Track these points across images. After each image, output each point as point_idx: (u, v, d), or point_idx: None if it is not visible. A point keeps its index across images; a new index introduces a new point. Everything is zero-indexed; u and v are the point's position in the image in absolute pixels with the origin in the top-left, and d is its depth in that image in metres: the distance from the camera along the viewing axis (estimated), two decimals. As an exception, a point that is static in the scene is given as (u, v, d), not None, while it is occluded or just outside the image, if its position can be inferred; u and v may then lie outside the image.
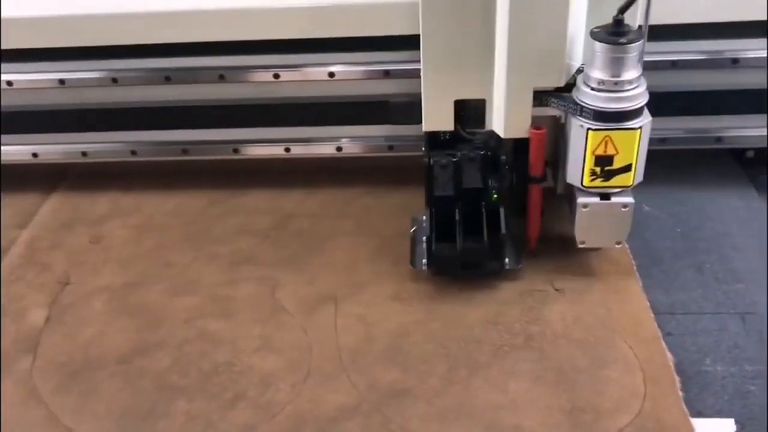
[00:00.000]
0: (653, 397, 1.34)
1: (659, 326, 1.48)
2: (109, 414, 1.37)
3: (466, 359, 1.43)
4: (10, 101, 1.88)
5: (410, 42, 1.57)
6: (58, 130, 1.94)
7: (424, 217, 1.65)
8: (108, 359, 1.48)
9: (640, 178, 1.47)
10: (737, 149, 1.97)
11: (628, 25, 1.36)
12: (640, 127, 1.40)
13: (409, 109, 1.55)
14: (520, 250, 1.64)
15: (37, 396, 1.41)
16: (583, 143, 1.42)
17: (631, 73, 1.37)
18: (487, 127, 1.56)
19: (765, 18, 1.68)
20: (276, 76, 1.80)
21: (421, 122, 1.57)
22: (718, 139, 1.84)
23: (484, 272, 1.60)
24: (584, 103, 1.40)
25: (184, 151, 1.94)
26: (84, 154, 1.96)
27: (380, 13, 1.68)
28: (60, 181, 2.07)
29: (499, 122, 1.52)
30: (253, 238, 1.80)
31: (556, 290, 1.58)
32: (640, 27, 1.39)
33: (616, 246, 1.55)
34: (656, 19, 1.69)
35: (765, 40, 1.71)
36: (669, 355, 1.42)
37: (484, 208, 1.55)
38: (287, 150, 1.91)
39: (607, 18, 1.37)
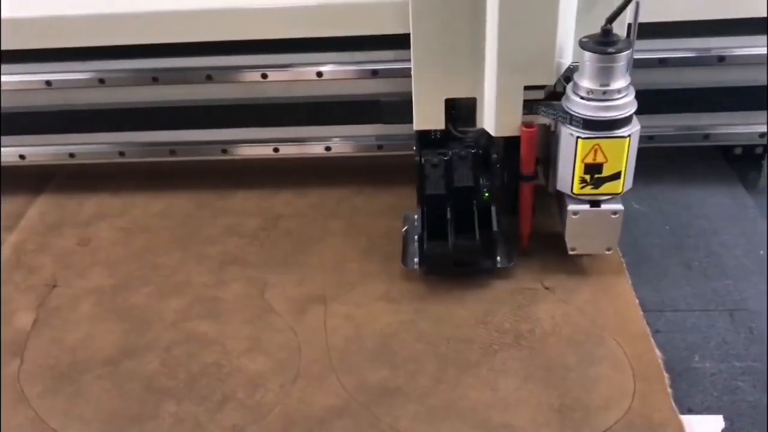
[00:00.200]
0: (642, 395, 1.34)
1: (648, 323, 1.48)
2: (96, 416, 1.36)
3: (455, 358, 1.43)
4: (-4, 103, 1.87)
5: (398, 41, 1.57)
6: (45, 131, 1.93)
7: (416, 216, 1.65)
8: (95, 362, 1.47)
9: (629, 185, 1.49)
10: (725, 146, 1.98)
11: (616, 35, 1.37)
12: (629, 135, 1.41)
13: (399, 109, 1.55)
14: (512, 248, 1.64)
15: (24, 399, 1.40)
16: (572, 151, 1.43)
17: (620, 82, 1.38)
18: (478, 126, 1.56)
19: (751, 15, 1.69)
20: (264, 76, 1.79)
21: (411, 121, 1.57)
22: (706, 137, 1.85)
23: (477, 271, 1.60)
24: (574, 111, 1.41)
25: (172, 152, 1.93)
26: (71, 155, 1.95)
27: (368, 13, 1.68)
28: (47, 183, 2.06)
29: (489, 120, 1.52)
30: (242, 238, 1.79)
31: (546, 288, 1.58)
32: (628, 35, 1.40)
33: (607, 252, 1.56)
34: (644, 17, 1.71)
35: (751, 37, 1.72)
36: (658, 352, 1.42)
37: (476, 206, 1.55)
38: (276, 150, 1.91)
39: (598, 16, 1.37)
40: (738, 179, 1.92)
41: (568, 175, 1.46)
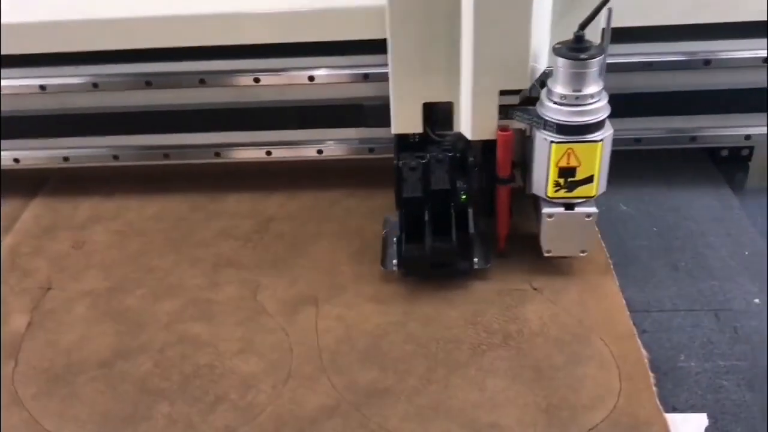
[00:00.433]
0: (628, 393, 1.36)
1: (635, 324, 1.51)
2: (90, 418, 1.38)
3: (444, 359, 1.45)
4: (-10, 107, 1.88)
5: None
6: (39, 135, 1.95)
7: (396, 219, 1.67)
8: (89, 364, 1.49)
9: (603, 188, 1.51)
10: (712, 148, 2.00)
11: (588, 41, 1.40)
12: (602, 140, 1.44)
13: (382, 112, 1.57)
14: (490, 249, 1.67)
15: (18, 401, 1.42)
16: (546, 155, 1.46)
17: (592, 87, 1.41)
18: (455, 130, 1.58)
19: (737, 20, 1.71)
20: (256, 80, 1.81)
21: None
22: (693, 139, 1.87)
23: (454, 272, 1.62)
24: (547, 116, 1.44)
25: (166, 156, 1.95)
26: (66, 159, 1.97)
27: (359, 17, 1.70)
28: (42, 187, 2.07)
29: (466, 124, 1.54)
30: (235, 241, 1.81)
31: (534, 289, 1.61)
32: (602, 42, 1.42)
33: (581, 254, 1.59)
34: (632, 21, 1.73)
35: (737, 41, 1.75)
36: (644, 351, 1.44)
37: (453, 208, 1.57)
38: (268, 153, 1.93)
39: (574, 22, 1.40)
40: (725, 181, 1.95)
41: (543, 178, 1.49)
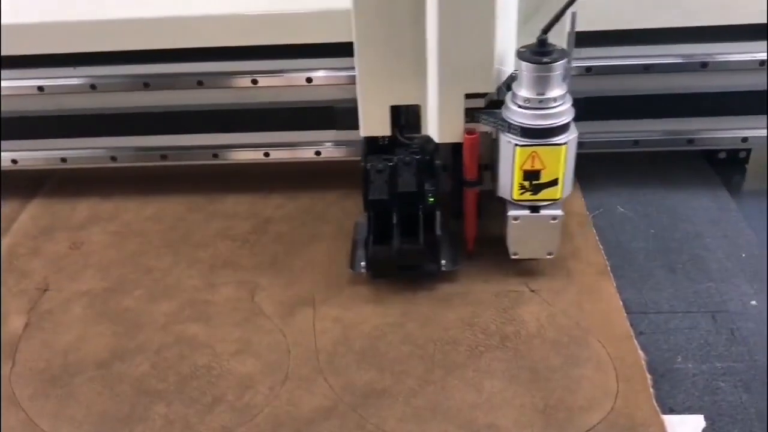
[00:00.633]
0: (625, 395, 1.36)
1: (632, 325, 1.51)
2: (87, 419, 1.38)
3: (441, 360, 1.45)
4: (-12, 108, 1.88)
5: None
6: (37, 136, 1.95)
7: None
8: (87, 364, 1.49)
9: (568, 191, 1.52)
10: (709, 151, 2.01)
11: (552, 45, 1.41)
12: (566, 143, 1.44)
13: (353, 115, 1.57)
14: (458, 251, 1.67)
15: (15, 402, 1.41)
16: (511, 158, 1.47)
17: (556, 90, 1.42)
18: (423, 132, 1.58)
19: (734, 23, 1.72)
20: (254, 81, 1.82)
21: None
22: (690, 141, 1.88)
23: (422, 274, 1.62)
24: (512, 120, 1.45)
25: (164, 157, 1.95)
26: (63, 160, 1.97)
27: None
28: (40, 188, 2.07)
29: (433, 127, 1.55)
30: (233, 242, 1.81)
31: (531, 291, 1.61)
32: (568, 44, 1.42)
33: (548, 257, 1.60)
34: (630, 23, 1.74)
35: (734, 44, 1.75)
36: (641, 353, 1.44)
37: (421, 211, 1.58)
38: (266, 155, 1.93)
39: (541, 25, 1.41)
40: (722, 183, 1.95)
41: (508, 181, 1.50)
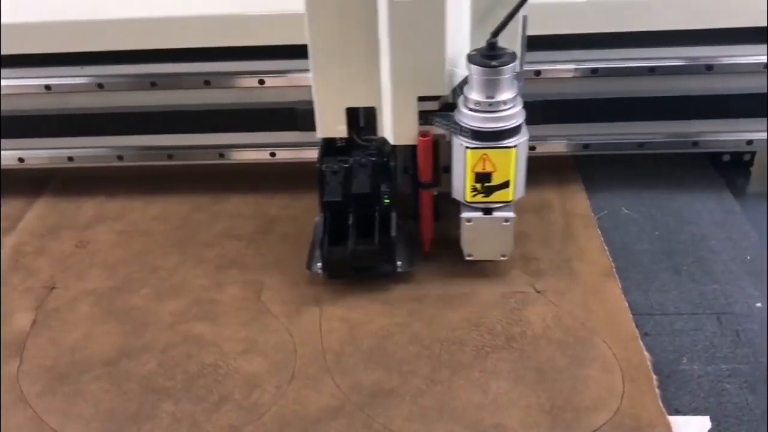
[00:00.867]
0: (631, 396, 1.37)
1: (637, 326, 1.51)
2: (95, 416, 1.38)
3: (448, 360, 1.46)
4: (-4, 107, 1.89)
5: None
6: (44, 135, 1.95)
7: None
8: (94, 362, 1.49)
9: (520, 193, 1.54)
10: (713, 153, 2.01)
11: (502, 48, 1.42)
12: (516, 146, 1.46)
13: (313, 117, 1.58)
14: (414, 252, 1.67)
15: (23, 399, 1.42)
16: (463, 161, 1.48)
17: (506, 94, 1.43)
18: (379, 134, 1.59)
19: (739, 25, 1.73)
20: (261, 81, 1.82)
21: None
22: (695, 144, 1.89)
23: (377, 275, 1.63)
24: (463, 123, 1.46)
25: (170, 156, 1.95)
26: (70, 159, 1.97)
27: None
28: (46, 186, 2.08)
29: (388, 129, 1.55)
30: (239, 242, 1.82)
31: (538, 292, 1.61)
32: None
33: (502, 258, 1.61)
34: (635, 26, 1.75)
35: (739, 46, 1.76)
36: (646, 354, 1.45)
37: (377, 212, 1.58)
38: (272, 155, 1.93)
39: (493, 28, 1.41)
40: (726, 186, 1.95)
41: (461, 183, 1.51)
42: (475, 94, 1.43)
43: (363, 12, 1.43)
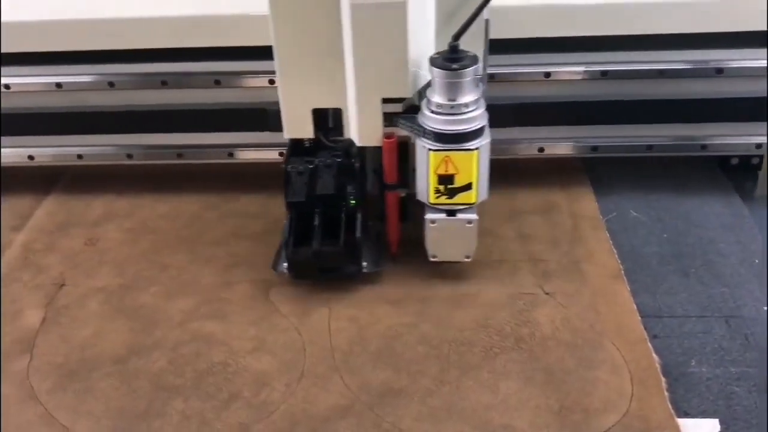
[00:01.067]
0: (640, 398, 1.37)
1: (646, 329, 1.51)
2: (105, 413, 1.39)
3: (457, 360, 1.46)
4: (7, 104, 1.90)
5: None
6: (54, 133, 1.96)
7: None
8: (104, 360, 1.50)
9: (483, 195, 1.54)
10: (722, 157, 2.01)
11: (464, 51, 1.42)
12: (477, 148, 1.46)
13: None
14: (380, 253, 1.68)
15: (33, 396, 1.43)
16: (426, 163, 1.48)
17: (468, 96, 1.44)
18: (346, 136, 1.60)
19: (748, 29, 1.73)
20: (271, 81, 1.83)
21: None
22: (704, 147, 1.89)
23: (343, 275, 1.63)
24: (426, 125, 1.46)
25: (179, 155, 1.96)
26: (80, 156, 1.98)
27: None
28: (55, 184, 2.09)
29: (354, 131, 1.56)
30: (248, 240, 1.82)
31: (546, 294, 1.62)
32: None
33: (466, 260, 1.61)
34: (644, 29, 1.75)
35: (748, 50, 1.76)
36: (655, 356, 1.45)
37: (344, 213, 1.59)
38: (281, 154, 1.94)
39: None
40: (734, 189, 1.95)
41: (425, 185, 1.52)
42: (437, 97, 1.45)
43: (327, 13, 1.43)
